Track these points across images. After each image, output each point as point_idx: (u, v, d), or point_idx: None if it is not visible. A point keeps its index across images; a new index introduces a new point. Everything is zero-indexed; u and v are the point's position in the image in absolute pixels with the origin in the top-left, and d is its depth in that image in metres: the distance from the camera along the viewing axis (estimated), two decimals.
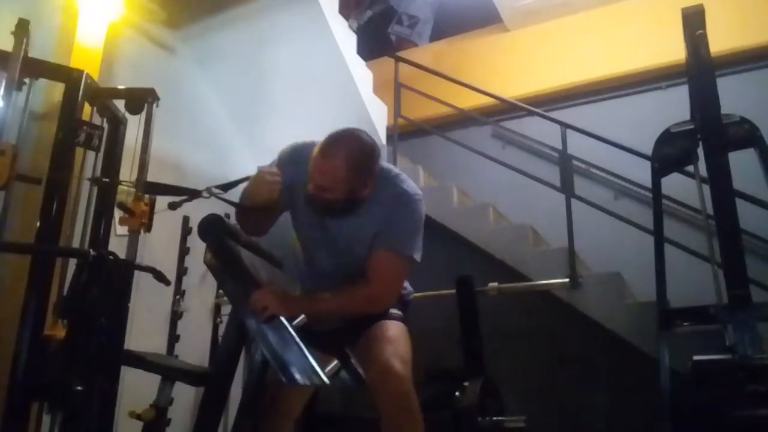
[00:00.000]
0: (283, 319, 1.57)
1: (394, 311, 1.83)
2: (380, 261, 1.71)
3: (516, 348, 3.25)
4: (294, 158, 1.79)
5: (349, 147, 1.68)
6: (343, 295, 1.73)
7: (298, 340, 1.52)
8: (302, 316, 1.58)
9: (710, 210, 2.09)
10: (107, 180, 2.28)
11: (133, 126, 2.39)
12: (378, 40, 5.61)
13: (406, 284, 1.95)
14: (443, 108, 4.21)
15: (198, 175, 3.61)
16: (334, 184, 1.65)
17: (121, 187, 2.29)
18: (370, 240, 1.73)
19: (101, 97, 2.34)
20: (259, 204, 1.70)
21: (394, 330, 1.77)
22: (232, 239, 1.75)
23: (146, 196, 2.23)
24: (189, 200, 1.76)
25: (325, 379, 1.50)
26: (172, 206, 1.76)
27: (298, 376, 1.49)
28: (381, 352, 1.67)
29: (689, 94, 2.27)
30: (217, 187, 1.74)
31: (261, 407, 1.75)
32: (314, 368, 1.48)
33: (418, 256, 1.75)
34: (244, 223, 1.83)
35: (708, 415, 1.88)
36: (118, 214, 2.26)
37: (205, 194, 1.72)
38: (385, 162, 1.82)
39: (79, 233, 2.31)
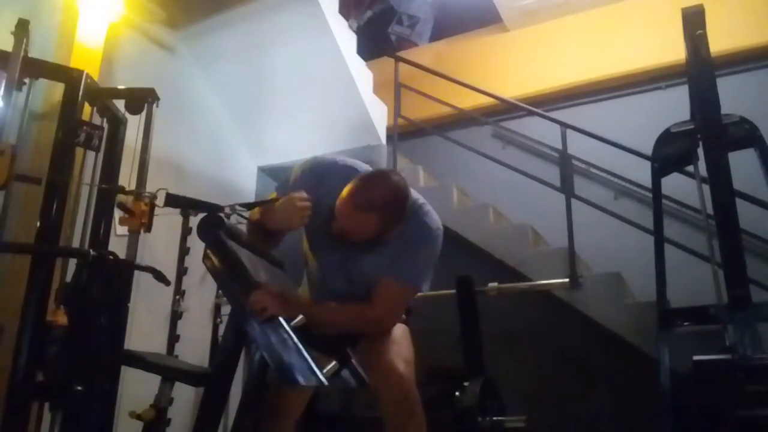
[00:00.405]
0: (281, 319, 1.56)
1: None
2: (390, 288, 1.69)
3: (516, 348, 3.25)
4: (317, 177, 1.74)
5: (384, 199, 1.60)
6: (343, 310, 1.73)
7: (296, 341, 1.51)
8: (300, 317, 1.58)
9: (710, 210, 2.09)
10: (128, 190, 2.27)
11: (133, 126, 2.39)
12: (378, 40, 5.61)
13: None
14: (443, 108, 4.21)
15: (198, 174, 3.62)
16: (364, 233, 1.63)
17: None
18: (385, 271, 1.71)
19: (101, 97, 2.34)
20: (287, 229, 1.69)
21: (398, 331, 1.78)
22: (231, 239, 1.75)
23: (146, 196, 2.23)
24: (205, 211, 1.74)
25: (323, 380, 1.50)
26: (185, 213, 1.74)
27: (296, 377, 1.49)
28: (385, 353, 1.67)
29: (689, 94, 2.27)
30: (241, 205, 1.71)
31: (262, 407, 1.75)
32: (313, 369, 1.48)
33: (425, 289, 1.75)
34: (257, 240, 1.79)
35: (708, 415, 1.88)
36: (118, 214, 2.26)
37: (227, 211, 1.68)
38: (411, 191, 1.74)
39: (79, 233, 2.31)
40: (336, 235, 1.67)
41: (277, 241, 1.82)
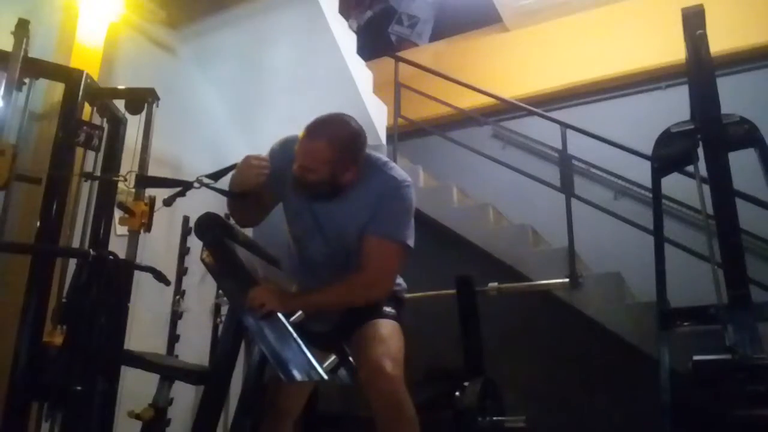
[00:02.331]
0: (280, 315, 1.57)
1: (387, 309, 1.83)
2: (373, 247, 1.71)
3: (516, 348, 3.25)
4: (284, 149, 1.80)
5: (335, 129, 1.70)
6: (338, 285, 1.73)
7: (295, 336, 1.52)
8: (300, 313, 1.58)
9: (710, 210, 2.09)
10: (99, 176, 2.28)
11: (133, 126, 2.39)
12: (378, 40, 5.61)
13: (400, 280, 1.94)
14: (443, 108, 4.21)
15: (197, 174, 3.61)
16: (317, 165, 1.66)
17: (121, 186, 2.29)
18: (360, 227, 1.74)
19: (101, 97, 2.34)
20: (247, 190, 1.72)
21: (387, 329, 1.77)
22: (229, 238, 1.75)
23: (146, 195, 2.23)
24: (182, 194, 1.75)
25: (323, 374, 1.50)
26: (167, 202, 1.77)
27: (296, 373, 1.49)
28: (372, 351, 1.66)
29: (689, 94, 2.27)
30: (207, 176, 1.74)
31: (261, 406, 1.75)
32: (312, 364, 1.48)
33: (411, 242, 1.76)
34: (235, 212, 1.86)
35: (708, 415, 1.88)
36: (118, 214, 2.26)
37: (195, 185, 1.72)
38: (374, 152, 1.83)
39: (79, 233, 2.31)
40: (297, 182, 1.70)
41: (255, 212, 1.88)
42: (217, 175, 1.77)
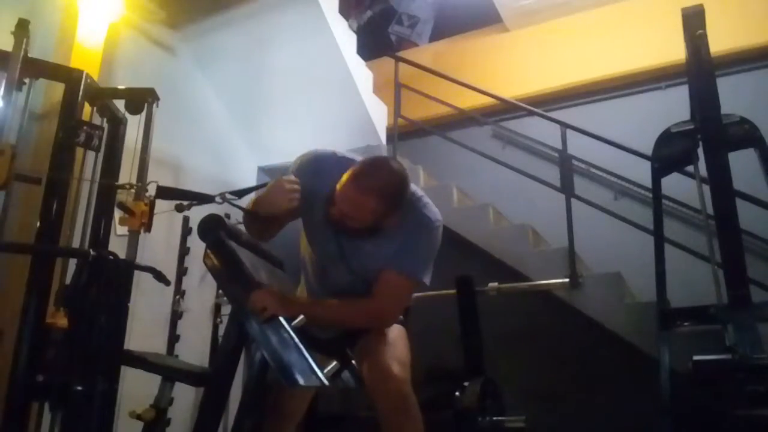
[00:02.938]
0: (282, 319, 1.56)
1: None
2: (390, 280, 1.69)
3: (516, 348, 3.25)
4: (315, 169, 1.74)
5: (384, 182, 1.62)
6: (344, 306, 1.72)
7: (297, 341, 1.51)
8: (301, 317, 1.58)
9: (710, 210, 2.09)
10: (117, 184, 2.27)
11: (133, 126, 2.39)
12: (378, 40, 5.62)
13: None
14: (443, 108, 4.21)
15: (198, 174, 3.62)
16: (362, 216, 1.61)
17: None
18: (384, 262, 1.70)
19: (101, 97, 2.34)
20: (276, 213, 1.66)
21: (393, 333, 1.77)
22: (231, 239, 1.75)
23: (146, 196, 2.23)
24: (199, 204, 1.73)
25: (324, 380, 1.50)
26: (179, 208, 1.73)
27: (297, 378, 1.48)
28: (379, 354, 1.66)
29: (689, 94, 2.27)
30: (232, 193, 1.69)
31: (263, 409, 1.74)
32: (314, 369, 1.48)
33: (427, 280, 1.74)
34: (252, 228, 1.80)
35: (708, 415, 1.89)
36: (118, 214, 2.26)
37: (218, 200, 1.67)
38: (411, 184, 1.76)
39: (79, 233, 2.31)
40: (334, 222, 1.66)
41: (274, 229, 1.81)
42: (241, 193, 1.73)
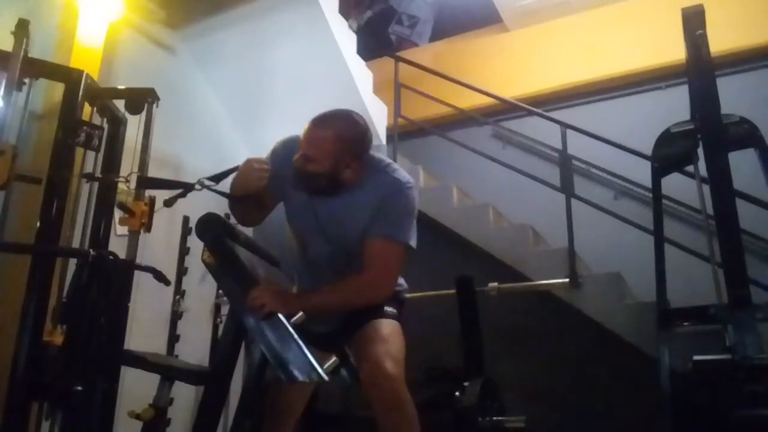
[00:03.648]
0: (281, 316, 1.57)
1: (388, 309, 1.83)
2: (375, 248, 1.72)
3: (516, 348, 3.24)
4: (287, 148, 1.80)
5: (343, 124, 1.72)
6: (340, 286, 1.73)
7: (296, 337, 1.52)
8: (300, 314, 1.58)
9: (710, 210, 2.09)
10: (100, 176, 2.28)
11: (133, 126, 2.39)
12: (378, 40, 5.62)
13: (401, 281, 1.94)
14: (443, 108, 4.21)
15: (198, 175, 3.60)
16: (319, 156, 1.67)
17: (121, 187, 2.29)
18: (361, 228, 1.74)
19: (101, 97, 2.34)
20: (248, 192, 1.72)
21: (388, 329, 1.77)
22: (229, 238, 1.75)
23: (146, 195, 2.23)
24: (183, 195, 1.76)
25: (323, 375, 1.50)
26: (167, 203, 1.77)
27: (296, 373, 1.49)
28: (373, 351, 1.66)
29: (689, 94, 2.27)
30: (209, 178, 1.75)
31: (262, 407, 1.75)
32: (313, 365, 1.48)
33: (413, 243, 1.76)
34: (236, 212, 1.87)
35: (708, 415, 1.89)
36: (118, 214, 2.26)
37: (197, 186, 1.73)
38: (377, 153, 1.85)
39: (79, 233, 2.31)
40: (298, 173, 1.70)
41: (256, 212, 1.88)
42: (218, 178, 1.77)
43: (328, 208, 1.78)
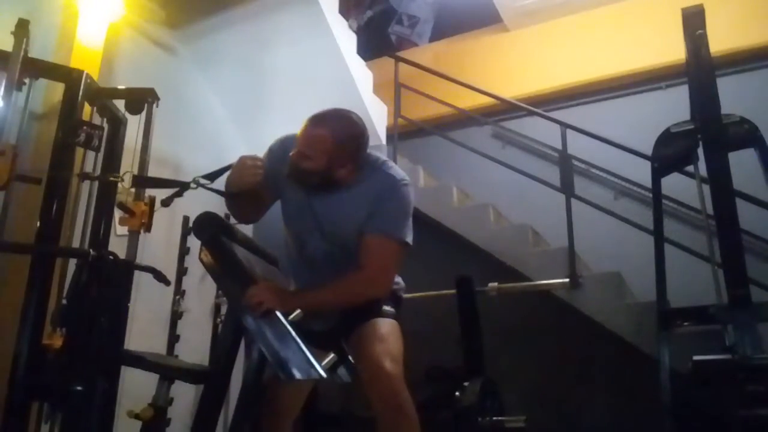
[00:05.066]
0: (279, 314, 1.57)
1: (386, 308, 1.83)
2: (371, 245, 1.71)
3: (516, 348, 3.25)
4: (283, 146, 1.81)
5: (340, 123, 1.72)
6: (338, 283, 1.72)
7: (294, 335, 1.52)
8: (298, 311, 1.58)
9: (710, 210, 2.09)
10: (98, 176, 2.28)
11: (133, 126, 2.39)
12: (378, 40, 5.61)
13: (398, 279, 1.94)
14: (443, 108, 4.21)
15: (197, 174, 3.61)
16: (315, 153, 1.67)
17: (121, 187, 2.29)
18: (358, 225, 1.74)
19: (101, 97, 2.34)
20: (243, 189, 1.72)
21: (386, 328, 1.77)
22: (227, 237, 1.75)
23: (146, 195, 2.23)
24: (179, 194, 1.77)
25: (322, 373, 1.50)
26: (165, 203, 1.78)
27: (295, 371, 1.49)
28: (372, 350, 1.67)
29: (689, 94, 2.27)
30: (204, 176, 1.76)
31: (260, 406, 1.75)
32: (311, 362, 1.48)
33: (409, 240, 1.76)
34: (233, 209, 1.88)
35: (708, 415, 1.88)
36: (118, 214, 2.26)
37: (192, 185, 1.74)
38: (373, 151, 1.85)
39: (79, 233, 2.31)
40: (294, 170, 1.71)
41: (253, 210, 1.89)
42: (213, 176, 1.78)
43: (325, 205, 1.78)
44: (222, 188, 1.78)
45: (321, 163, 1.68)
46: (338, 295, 1.73)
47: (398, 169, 1.83)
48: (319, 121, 1.70)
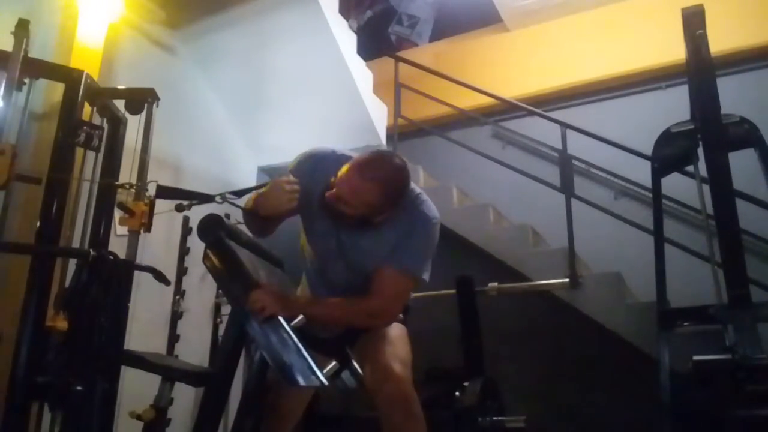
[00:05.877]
0: (281, 319, 1.56)
1: None
2: (389, 277, 1.68)
3: (516, 348, 3.25)
4: (314, 166, 1.75)
5: (388, 175, 1.63)
6: (345, 305, 1.71)
7: (296, 340, 1.51)
8: (301, 317, 1.58)
9: (710, 210, 2.09)
10: (105, 181, 2.28)
11: (133, 126, 2.39)
12: (378, 40, 5.62)
13: None
14: (443, 108, 4.21)
15: (198, 174, 3.62)
16: (357, 203, 1.61)
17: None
18: (382, 259, 1.70)
19: (101, 97, 2.34)
20: (277, 214, 1.67)
21: (394, 331, 1.77)
22: (231, 239, 1.75)
23: (146, 196, 2.23)
24: (198, 204, 1.74)
25: (323, 380, 1.50)
26: (179, 208, 1.74)
27: (297, 377, 1.49)
28: (380, 354, 1.66)
29: (689, 94, 2.27)
30: (232, 193, 1.71)
31: (262, 409, 1.74)
32: (313, 369, 1.48)
33: (426, 277, 1.74)
34: (252, 226, 1.82)
35: (708, 415, 1.89)
36: (118, 214, 2.26)
37: (218, 200, 1.69)
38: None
39: (79, 233, 2.31)
40: (326, 204, 1.65)
41: (274, 226, 1.82)
42: (241, 193, 1.75)
43: (353, 240, 1.73)
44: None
45: (362, 212, 1.63)
46: (342, 316, 1.71)
47: (430, 205, 1.77)
48: (366, 170, 1.60)
